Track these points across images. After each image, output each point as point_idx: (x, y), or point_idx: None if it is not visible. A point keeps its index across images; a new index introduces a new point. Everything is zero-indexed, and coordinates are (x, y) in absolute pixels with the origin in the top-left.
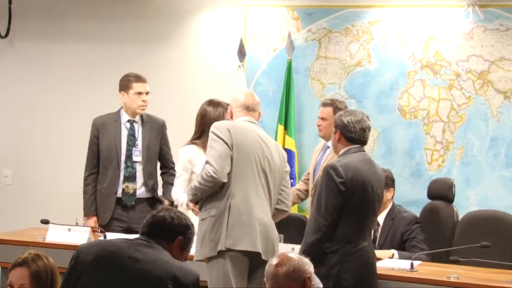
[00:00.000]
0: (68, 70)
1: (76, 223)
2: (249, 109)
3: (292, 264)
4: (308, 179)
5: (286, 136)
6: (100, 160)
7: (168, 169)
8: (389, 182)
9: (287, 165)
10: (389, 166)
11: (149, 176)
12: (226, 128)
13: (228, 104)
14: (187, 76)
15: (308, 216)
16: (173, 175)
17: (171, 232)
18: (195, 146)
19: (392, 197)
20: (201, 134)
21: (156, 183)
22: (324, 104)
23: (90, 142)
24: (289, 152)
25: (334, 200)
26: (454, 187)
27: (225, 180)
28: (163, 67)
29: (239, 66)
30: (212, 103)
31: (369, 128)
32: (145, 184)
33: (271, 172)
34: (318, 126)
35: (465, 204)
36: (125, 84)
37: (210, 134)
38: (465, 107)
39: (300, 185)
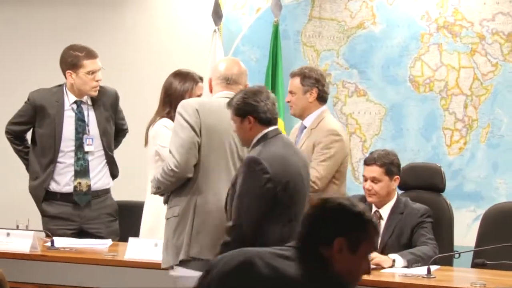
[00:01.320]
0: None
1: (17, 226)
2: (229, 81)
3: None
4: None
5: None
6: (36, 141)
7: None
8: (394, 168)
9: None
10: (399, 150)
11: (109, 164)
12: (194, 108)
13: (200, 78)
14: (150, 44)
15: None
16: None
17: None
18: (170, 120)
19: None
20: (169, 110)
21: (116, 168)
22: (291, 75)
23: (24, 108)
24: None
25: (259, 201)
26: (444, 174)
27: (190, 175)
28: (121, 32)
29: (215, 30)
30: (179, 74)
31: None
32: (105, 174)
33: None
34: (288, 102)
35: (493, 194)
36: (72, 61)
37: (176, 115)
38: (491, 77)
39: None
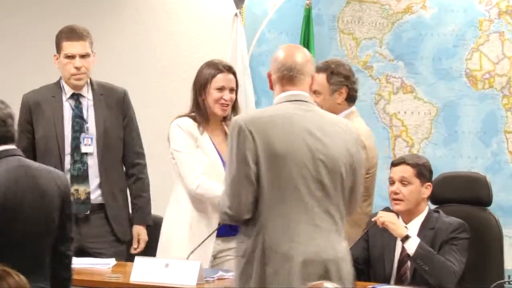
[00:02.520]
0: None
1: None
2: (292, 75)
3: None
4: None
5: None
6: (36, 154)
7: (133, 166)
8: (427, 172)
9: (362, 160)
10: (453, 157)
11: (110, 172)
12: (248, 130)
13: (226, 67)
14: (163, 32)
15: None
16: (142, 178)
17: None
18: (190, 119)
19: (429, 197)
20: (195, 105)
21: (122, 181)
22: (316, 70)
23: (20, 128)
24: None
25: None
26: (490, 185)
27: (248, 216)
28: (135, 17)
29: (236, 14)
30: (207, 64)
31: (10, 117)
32: (101, 185)
33: (333, 180)
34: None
35: None
36: (56, 42)
37: (230, 136)
38: None
39: None
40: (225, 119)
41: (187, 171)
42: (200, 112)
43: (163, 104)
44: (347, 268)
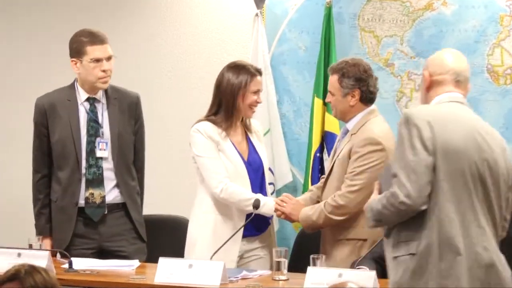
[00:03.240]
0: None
1: (30, 245)
2: (460, 80)
3: None
4: None
5: (327, 114)
6: (53, 158)
7: (137, 171)
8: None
9: None
10: None
11: (125, 175)
12: (426, 121)
13: (258, 70)
14: (181, 32)
15: None
16: (142, 181)
17: None
18: (210, 123)
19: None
20: (218, 108)
21: (136, 183)
22: (330, 70)
23: (35, 133)
24: (331, 136)
25: None
26: None
27: (424, 207)
28: (153, 17)
29: (257, 14)
30: (233, 67)
31: None
32: (119, 186)
33: (494, 183)
34: (329, 103)
35: None
36: (76, 47)
37: (401, 128)
38: None
39: (319, 184)
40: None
41: (210, 175)
42: (228, 116)
43: (184, 105)
44: (508, 276)
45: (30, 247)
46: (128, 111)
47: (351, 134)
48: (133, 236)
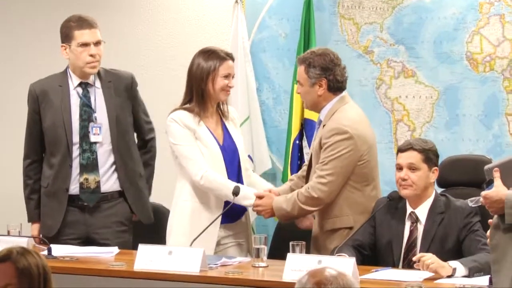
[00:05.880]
0: None
1: (8, 231)
2: None
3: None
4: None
5: None
6: (45, 144)
7: (147, 141)
8: (434, 157)
9: None
10: (455, 140)
11: (125, 158)
12: None
13: (228, 54)
14: (160, 20)
15: None
16: (152, 150)
17: None
18: (185, 112)
19: (435, 182)
20: (191, 96)
21: (139, 165)
22: (297, 61)
23: (28, 119)
24: (310, 123)
25: None
26: None
27: None
28: (124, 7)
29: (236, 1)
30: (203, 52)
31: None
32: (118, 172)
33: None
34: (298, 94)
35: None
36: (65, 32)
37: None
38: None
39: (299, 174)
40: (219, 103)
41: (189, 163)
42: (201, 101)
43: (163, 93)
44: None
45: (8, 233)
46: (125, 93)
47: (323, 125)
48: (121, 230)
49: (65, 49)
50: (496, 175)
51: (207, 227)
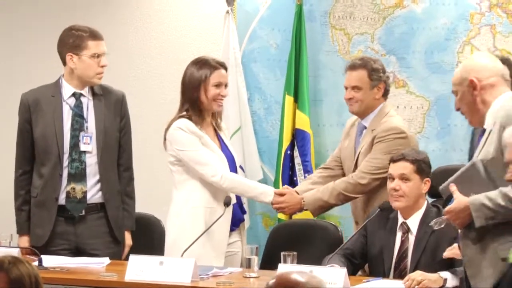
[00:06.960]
0: None
1: None
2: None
3: None
4: (334, 167)
5: (297, 112)
6: (35, 153)
7: (128, 169)
8: (426, 168)
9: None
10: (446, 150)
11: (109, 171)
12: None
13: (220, 63)
14: (151, 30)
15: (338, 224)
16: (133, 181)
17: None
18: (187, 120)
19: (427, 192)
20: (187, 106)
21: (117, 182)
22: (353, 67)
23: (19, 128)
24: (301, 133)
25: None
26: None
27: None
28: (115, 17)
29: (227, 11)
30: (195, 62)
31: None
32: (101, 184)
33: None
34: (349, 100)
35: None
36: (74, 42)
37: None
38: None
39: (318, 174)
40: (213, 114)
41: (205, 167)
42: (197, 110)
43: (154, 103)
44: None
45: None
46: (114, 108)
47: (371, 130)
48: (109, 240)
49: (72, 58)
50: (453, 189)
51: (199, 237)
